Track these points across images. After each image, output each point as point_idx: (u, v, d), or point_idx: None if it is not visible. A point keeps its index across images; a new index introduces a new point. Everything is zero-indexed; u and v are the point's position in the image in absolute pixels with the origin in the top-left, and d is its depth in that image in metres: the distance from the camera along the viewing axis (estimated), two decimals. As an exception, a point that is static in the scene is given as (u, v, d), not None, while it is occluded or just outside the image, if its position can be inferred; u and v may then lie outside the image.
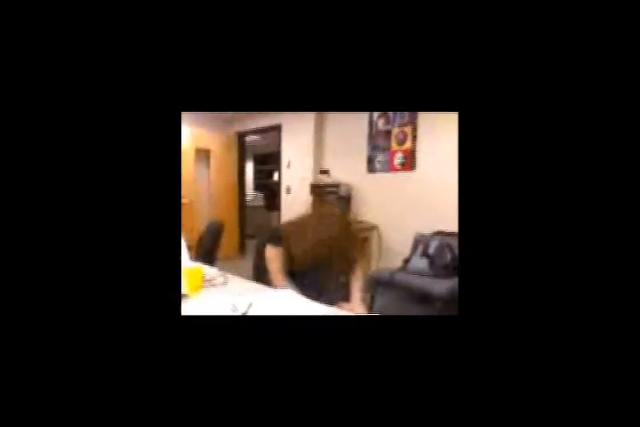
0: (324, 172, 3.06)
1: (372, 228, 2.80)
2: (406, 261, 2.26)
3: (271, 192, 5.81)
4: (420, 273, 2.10)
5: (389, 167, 2.73)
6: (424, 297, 1.91)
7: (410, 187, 2.61)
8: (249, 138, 4.44)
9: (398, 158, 2.66)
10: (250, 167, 6.47)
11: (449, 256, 2.07)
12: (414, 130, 2.54)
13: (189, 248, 1.42)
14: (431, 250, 2.14)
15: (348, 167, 3.03)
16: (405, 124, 2.60)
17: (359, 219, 2.79)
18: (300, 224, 1.29)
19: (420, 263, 2.14)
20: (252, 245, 3.59)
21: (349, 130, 3.00)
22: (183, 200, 3.33)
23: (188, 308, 0.95)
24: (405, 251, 2.34)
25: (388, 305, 2.13)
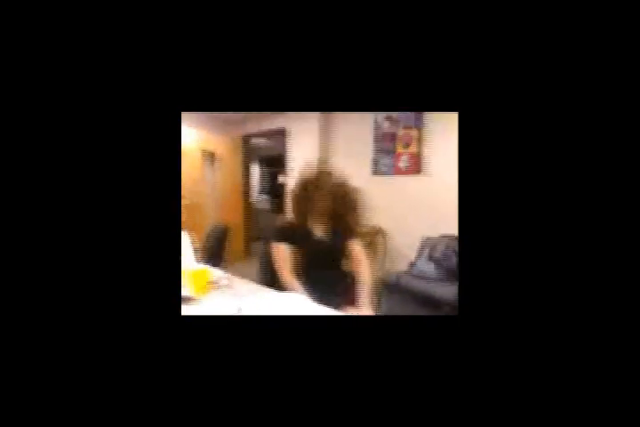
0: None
1: (378, 230, 2.79)
2: (412, 264, 2.24)
3: (280, 195, 5.83)
4: (427, 277, 2.08)
5: (394, 170, 2.72)
6: (430, 301, 1.89)
7: (415, 190, 2.60)
8: (255, 140, 4.46)
9: (403, 161, 2.65)
10: (256, 170, 6.50)
11: (455, 260, 2.05)
12: (420, 133, 2.54)
13: (195, 250, 1.42)
14: (437, 254, 2.12)
15: (352, 170, 3.03)
16: (411, 127, 2.59)
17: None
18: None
19: (427, 267, 2.12)
20: (258, 247, 3.60)
21: (354, 132, 3.00)
22: (186, 201, 3.36)
23: (193, 309, 0.95)
24: (411, 254, 2.32)
25: (394, 309, 2.11)
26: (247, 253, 4.37)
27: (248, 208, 4.39)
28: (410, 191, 2.63)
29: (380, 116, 2.79)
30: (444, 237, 2.26)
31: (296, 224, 1.31)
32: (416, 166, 2.57)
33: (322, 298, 1.05)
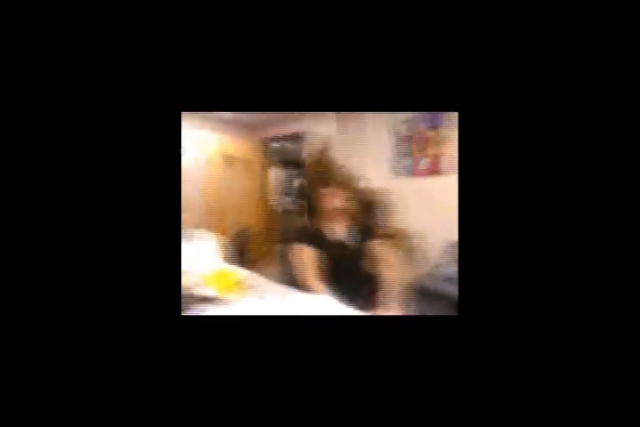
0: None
1: (400, 232, 2.75)
2: (437, 266, 2.19)
3: (300, 197, 5.85)
4: (452, 279, 2.03)
5: (414, 172, 2.68)
6: (455, 303, 1.84)
7: (436, 191, 2.55)
8: (275, 144, 4.51)
9: (423, 164, 2.60)
10: (276, 172, 6.55)
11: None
12: (438, 135, 2.48)
13: (221, 251, 1.44)
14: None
15: (373, 172, 3.00)
16: (430, 129, 2.54)
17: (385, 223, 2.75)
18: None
19: (453, 269, 2.07)
20: (280, 249, 3.62)
21: (373, 135, 2.98)
22: (209, 204, 3.42)
23: (220, 310, 0.96)
24: (436, 256, 2.27)
25: (420, 311, 2.07)
26: (270, 254, 4.41)
27: (269, 210, 4.44)
28: (431, 193, 2.58)
29: (398, 116, 2.76)
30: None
31: (317, 226, 1.31)
32: (436, 168, 2.52)
33: (347, 300, 1.04)
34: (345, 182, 1.29)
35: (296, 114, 3.48)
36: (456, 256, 2.09)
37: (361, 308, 1.01)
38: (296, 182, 5.97)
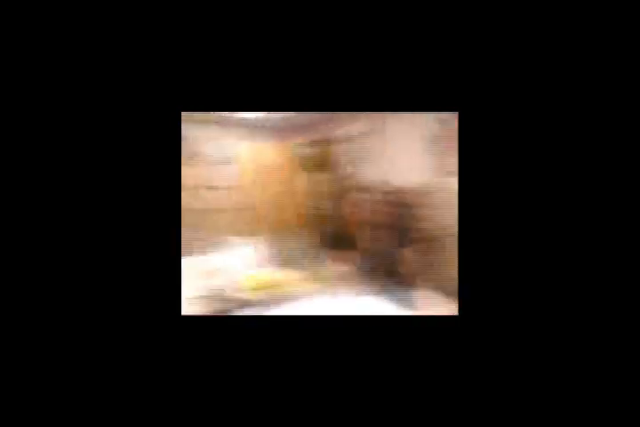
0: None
1: (441, 231, 2.64)
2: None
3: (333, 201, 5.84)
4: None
5: (446, 172, 2.57)
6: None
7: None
8: (306, 149, 4.54)
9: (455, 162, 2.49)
10: (308, 177, 6.59)
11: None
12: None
13: (255, 254, 1.46)
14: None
15: (409, 173, 2.92)
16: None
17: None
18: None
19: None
20: (315, 252, 3.61)
21: (409, 134, 2.91)
22: (242, 208, 3.49)
23: (252, 311, 0.96)
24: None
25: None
26: (305, 257, 4.42)
27: (302, 214, 4.46)
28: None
29: (432, 116, 2.67)
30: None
31: (350, 231, 1.30)
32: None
33: (385, 300, 1.02)
34: (375, 188, 1.27)
35: (325, 118, 3.49)
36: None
37: (404, 307, 0.98)
38: (327, 187, 5.96)
